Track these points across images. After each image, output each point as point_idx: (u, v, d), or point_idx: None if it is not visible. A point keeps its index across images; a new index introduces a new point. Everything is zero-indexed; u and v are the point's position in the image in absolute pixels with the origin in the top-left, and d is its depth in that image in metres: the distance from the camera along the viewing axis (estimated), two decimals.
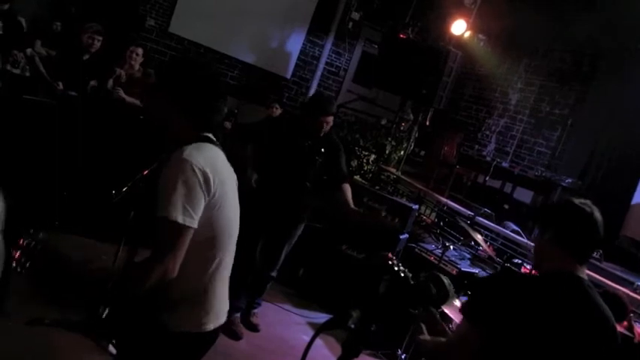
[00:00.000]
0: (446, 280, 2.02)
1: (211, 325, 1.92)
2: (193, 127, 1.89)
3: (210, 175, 1.77)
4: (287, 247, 4.27)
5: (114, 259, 3.51)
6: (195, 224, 1.74)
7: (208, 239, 1.84)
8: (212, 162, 1.82)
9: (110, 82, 5.32)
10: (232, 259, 2.00)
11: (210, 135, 1.93)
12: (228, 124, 7.17)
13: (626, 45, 7.06)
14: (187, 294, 1.85)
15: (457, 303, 3.55)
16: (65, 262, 3.92)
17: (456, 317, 3.46)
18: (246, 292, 4.16)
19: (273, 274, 4.30)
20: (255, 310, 4.35)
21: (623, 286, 4.21)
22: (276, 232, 4.15)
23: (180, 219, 1.70)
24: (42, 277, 3.43)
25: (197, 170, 1.74)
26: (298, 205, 4.12)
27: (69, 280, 3.77)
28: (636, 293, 4.34)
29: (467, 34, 7.53)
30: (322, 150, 4.01)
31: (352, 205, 4.09)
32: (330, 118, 3.98)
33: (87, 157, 4.52)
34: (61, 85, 4.95)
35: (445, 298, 1.99)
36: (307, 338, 3.15)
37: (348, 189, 4.13)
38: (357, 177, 6.76)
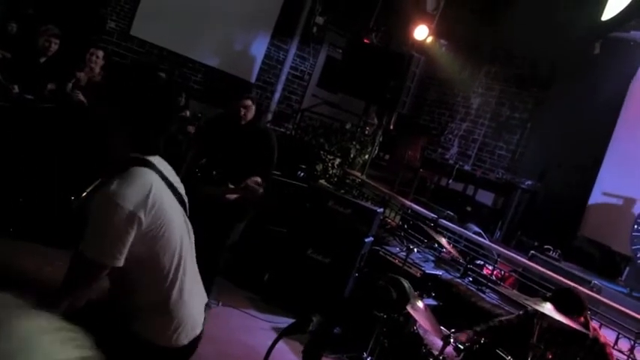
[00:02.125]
0: (406, 283, 2.05)
1: (185, 340, 1.87)
2: (134, 148, 1.77)
3: (141, 210, 1.66)
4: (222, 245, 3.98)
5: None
6: (118, 263, 1.66)
7: (154, 262, 1.77)
8: (143, 193, 1.69)
9: (69, 86, 5.18)
10: (193, 271, 1.95)
11: (151, 158, 1.80)
12: (191, 129, 7.09)
13: (583, 50, 7.29)
14: (151, 305, 1.81)
15: (420, 305, 3.59)
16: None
17: (419, 318, 3.50)
18: None
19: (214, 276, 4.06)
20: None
21: (580, 285, 4.33)
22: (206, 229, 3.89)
23: (99, 259, 1.63)
24: None
25: (125, 210, 1.63)
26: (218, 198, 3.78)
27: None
28: (593, 292, 4.47)
29: (429, 40, 7.66)
30: (240, 138, 3.82)
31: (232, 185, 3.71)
32: (247, 102, 3.79)
33: (44, 162, 4.39)
34: (16, 89, 4.79)
35: (406, 302, 2.01)
36: None
37: (252, 179, 3.75)
38: (322, 181, 6.78)
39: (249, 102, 3.80)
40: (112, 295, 1.87)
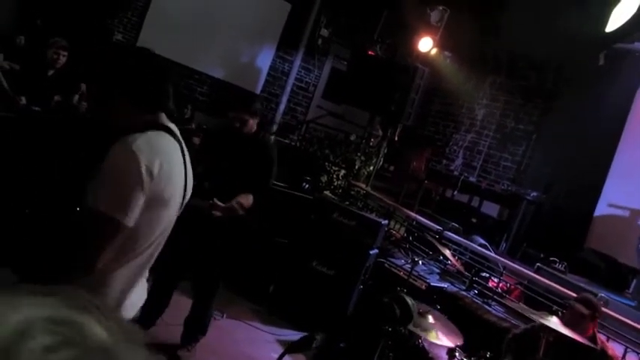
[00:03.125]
0: (410, 300, 2.04)
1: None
2: (145, 111, 1.71)
3: (157, 174, 1.59)
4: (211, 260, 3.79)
5: None
6: (129, 222, 1.57)
7: (133, 233, 1.65)
8: (160, 155, 1.62)
9: (76, 98, 5.23)
10: (152, 260, 1.85)
11: (170, 125, 1.74)
12: (197, 140, 7.11)
13: (588, 62, 7.29)
14: (88, 281, 1.62)
15: (431, 319, 3.57)
16: None
17: (438, 328, 3.48)
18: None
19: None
20: (193, 344, 3.92)
21: None
22: (195, 240, 3.63)
23: (112, 213, 1.54)
24: None
25: (142, 166, 1.56)
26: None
27: None
28: (600, 304, 4.43)
29: (433, 51, 7.68)
30: (237, 150, 3.67)
31: (224, 204, 3.51)
32: (244, 116, 3.61)
33: (50, 173, 4.41)
34: (23, 100, 4.84)
35: (409, 319, 2.01)
36: (277, 356, 3.12)
37: (244, 197, 3.59)
38: (326, 192, 6.78)
39: (245, 116, 3.63)
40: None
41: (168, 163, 1.66)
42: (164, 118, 1.76)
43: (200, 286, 3.93)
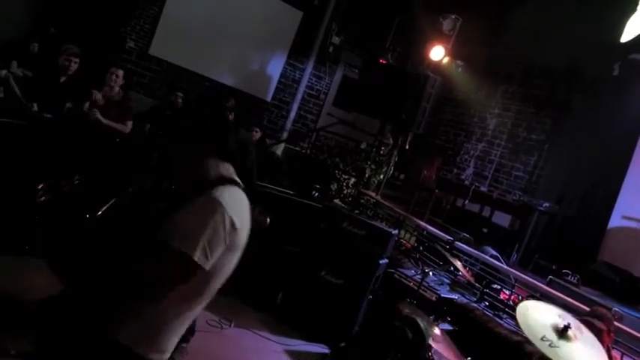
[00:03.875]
0: (422, 323, 2.01)
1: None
2: (216, 159, 1.90)
3: (237, 225, 1.76)
4: None
5: None
6: (208, 266, 1.72)
7: (206, 278, 1.79)
8: (238, 210, 1.80)
9: (87, 105, 5.25)
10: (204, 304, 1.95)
11: (236, 178, 1.92)
12: None
13: (601, 71, 7.22)
14: (151, 315, 1.77)
15: (437, 331, 3.52)
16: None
17: (437, 346, 3.43)
18: None
19: None
20: (184, 345, 3.93)
21: None
22: None
23: (197, 257, 1.68)
24: None
25: (226, 218, 1.72)
26: None
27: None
28: (615, 319, 4.34)
29: (445, 60, 7.64)
30: None
31: None
32: (224, 113, 3.68)
33: (59, 179, 4.42)
34: (35, 107, 4.87)
35: (422, 342, 1.98)
36: None
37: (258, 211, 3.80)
38: (336, 200, 6.75)
39: (224, 113, 3.71)
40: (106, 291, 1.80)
41: (244, 215, 1.84)
42: (233, 173, 1.94)
43: None
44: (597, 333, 3.11)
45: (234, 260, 1.86)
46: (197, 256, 1.68)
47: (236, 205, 1.79)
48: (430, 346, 3.64)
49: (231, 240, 1.76)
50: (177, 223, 1.71)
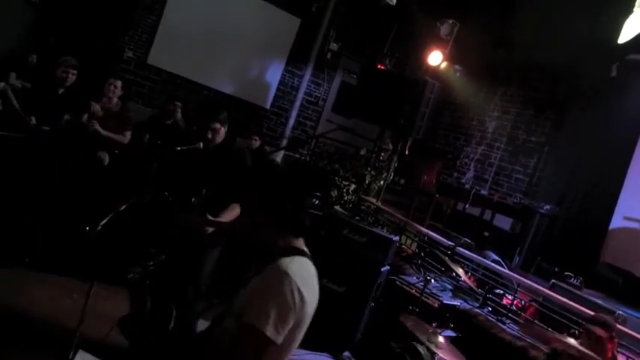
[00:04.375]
0: (422, 350, 2.01)
1: None
2: (289, 234, 1.89)
3: (306, 299, 1.75)
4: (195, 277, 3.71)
5: (86, 298, 3.39)
6: (280, 341, 1.70)
7: (275, 355, 1.79)
8: (308, 282, 1.79)
9: (85, 116, 5.24)
10: None
11: (305, 248, 1.91)
12: None
13: (600, 73, 7.22)
14: None
15: (441, 339, 3.50)
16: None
17: (440, 352, 3.41)
18: None
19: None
20: None
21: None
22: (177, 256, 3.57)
23: (269, 332, 1.67)
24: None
25: (295, 290, 1.71)
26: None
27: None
28: (618, 323, 4.32)
29: (443, 65, 7.64)
30: (212, 161, 3.66)
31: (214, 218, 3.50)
32: (215, 125, 3.63)
33: (58, 192, 4.42)
34: (33, 120, 4.86)
35: None
36: None
37: (230, 209, 3.61)
38: (337, 207, 6.73)
39: (217, 125, 3.69)
40: None
41: (313, 287, 1.86)
42: (302, 243, 1.93)
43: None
44: (596, 341, 3.10)
45: (301, 335, 1.85)
46: (269, 331, 1.66)
47: (305, 276, 1.78)
48: (435, 354, 3.62)
49: (301, 312, 1.74)
50: (246, 294, 1.72)
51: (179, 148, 3.59)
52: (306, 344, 4.72)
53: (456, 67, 8.24)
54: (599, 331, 3.13)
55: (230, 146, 3.85)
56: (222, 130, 3.73)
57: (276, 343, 1.69)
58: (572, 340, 2.94)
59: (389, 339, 4.02)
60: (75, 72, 5.29)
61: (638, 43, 6.40)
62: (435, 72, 7.61)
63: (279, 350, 1.74)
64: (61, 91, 5.27)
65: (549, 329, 3.93)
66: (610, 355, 3.16)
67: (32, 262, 4.29)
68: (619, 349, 3.89)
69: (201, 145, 3.68)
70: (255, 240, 1.90)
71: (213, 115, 3.71)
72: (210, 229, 3.49)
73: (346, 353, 4.52)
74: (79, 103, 5.26)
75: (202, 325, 2.14)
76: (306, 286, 1.76)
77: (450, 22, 7.45)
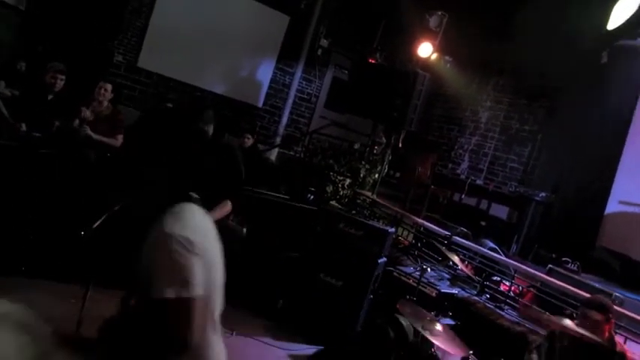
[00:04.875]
0: (404, 321, 1.99)
1: None
2: (175, 185, 1.85)
3: (193, 239, 1.69)
4: None
5: (82, 302, 3.39)
6: (200, 292, 1.65)
7: (206, 299, 1.74)
8: (194, 226, 1.74)
9: (76, 121, 5.23)
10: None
11: (193, 194, 1.86)
12: None
13: (591, 60, 7.23)
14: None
15: (438, 327, 3.51)
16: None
17: (439, 341, 3.42)
18: None
19: None
20: None
21: None
22: None
23: (184, 293, 1.62)
24: None
25: (181, 239, 1.66)
26: None
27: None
28: (615, 305, 4.34)
29: (434, 57, 7.65)
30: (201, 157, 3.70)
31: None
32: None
33: (52, 198, 4.41)
34: (23, 127, 4.84)
35: (405, 340, 1.96)
36: None
37: (221, 206, 3.67)
38: (333, 202, 6.74)
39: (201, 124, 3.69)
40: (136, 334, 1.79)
41: (200, 230, 1.76)
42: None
43: None
44: (594, 324, 3.12)
45: (215, 275, 1.81)
46: (185, 292, 1.61)
47: (185, 225, 1.72)
48: (433, 343, 3.63)
49: (200, 252, 1.70)
50: (143, 267, 1.66)
51: None
52: (306, 338, 4.74)
53: (447, 58, 8.24)
54: (594, 314, 3.14)
55: (217, 144, 3.82)
56: (210, 126, 3.72)
57: (199, 296, 1.64)
58: (568, 322, 2.95)
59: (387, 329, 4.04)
60: (63, 77, 5.27)
61: (628, 29, 6.43)
62: (425, 64, 7.61)
63: (206, 299, 1.71)
64: (50, 96, 5.25)
65: (546, 313, 3.94)
66: (607, 335, 3.17)
67: (28, 269, 4.29)
68: (617, 330, 3.91)
69: None
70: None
71: (198, 115, 3.69)
72: None
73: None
74: (69, 109, 5.24)
75: None
76: (190, 229, 1.70)
77: (439, 13, 7.45)
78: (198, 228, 1.77)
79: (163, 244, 1.65)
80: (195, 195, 1.88)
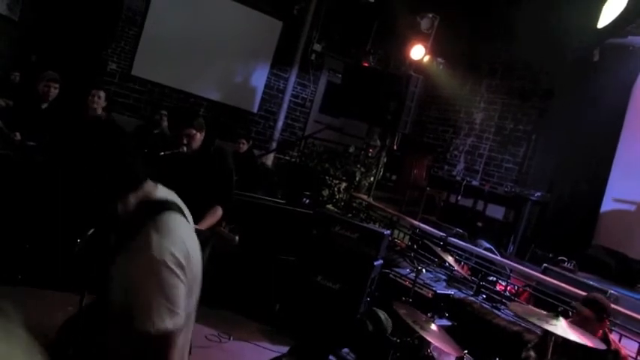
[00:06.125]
0: (382, 315, 2.00)
1: None
2: (130, 190, 1.60)
3: (184, 262, 1.52)
4: None
5: (78, 309, 3.39)
6: (183, 319, 1.51)
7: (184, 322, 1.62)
8: (182, 242, 1.56)
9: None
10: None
11: (162, 193, 1.65)
12: None
13: (582, 58, 7.27)
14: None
15: (433, 327, 3.52)
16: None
17: (434, 340, 3.43)
18: None
19: None
20: None
21: None
22: None
23: (169, 325, 1.46)
24: None
25: (172, 265, 1.48)
26: None
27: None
28: (610, 302, 4.35)
29: (426, 59, 7.68)
30: (191, 164, 3.60)
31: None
32: (190, 131, 3.57)
33: (48, 206, 4.41)
34: (18, 136, 4.85)
35: (383, 333, 1.96)
36: None
37: (213, 212, 3.58)
38: (329, 206, 6.76)
39: (192, 131, 3.59)
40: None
41: (188, 243, 1.59)
42: (152, 188, 1.65)
43: None
44: (584, 320, 3.14)
45: (198, 287, 1.66)
46: (168, 323, 1.45)
47: (174, 242, 1.53)
48: (429, 343, 3.64)
49: (187, 276, 1.54)
50: (127, 292, 1.47)
51: (162, 153, 3.56)
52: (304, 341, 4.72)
53: (439, 60, 8.28)
54: (585, 311, 3.17)
55: (208, 150, 3.80)
56: (199, 136, 3.67)
57: (181, 323, 1.50)
58: (562, 320, 2.96)
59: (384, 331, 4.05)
60: (57, 86, 5.27)
61: (618, 27, 6.46)
62: (418, 66, 7.64)
63: (184, 321, 1.57)
64: (44, 105, 5.25)
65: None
66: (600, 333, 3.18)
67: (24, 277, 4.29)
68: (612, 327, 3.92)
69: (185, 149, 3.64)
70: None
71: (189, 121, 3.66)
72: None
73: (345, 350, 4.53)
74: (63, 118, 5.25)
75: None
76: (180, 248, 1.52)
77: (430, 15, 7.48)
78: (185, 243, 1.58)
79: (152, 271, 1.47)
80: (178, 202, 1.70)
